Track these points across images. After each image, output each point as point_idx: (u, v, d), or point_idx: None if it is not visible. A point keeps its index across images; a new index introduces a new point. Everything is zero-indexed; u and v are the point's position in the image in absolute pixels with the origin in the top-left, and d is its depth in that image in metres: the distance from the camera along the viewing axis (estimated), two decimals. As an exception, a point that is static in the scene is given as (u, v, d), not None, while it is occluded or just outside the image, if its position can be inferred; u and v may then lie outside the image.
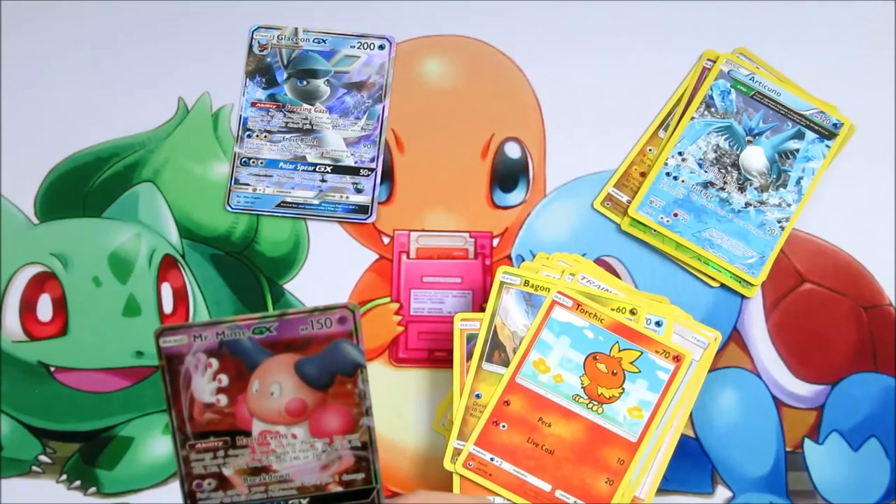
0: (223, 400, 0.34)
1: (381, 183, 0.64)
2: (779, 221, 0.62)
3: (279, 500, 0.34)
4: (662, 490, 0.60)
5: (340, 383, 0.34)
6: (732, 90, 0.64)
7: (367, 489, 0.35)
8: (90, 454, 0.61)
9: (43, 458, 0.61)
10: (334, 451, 0.34)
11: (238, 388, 0.34)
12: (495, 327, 0.57)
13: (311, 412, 0.34)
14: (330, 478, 0.34)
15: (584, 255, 0.63)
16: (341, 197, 0.64)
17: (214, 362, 0.33)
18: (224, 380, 0.33)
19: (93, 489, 0.60)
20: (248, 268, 0.63)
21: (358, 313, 0.33)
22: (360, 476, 0.34)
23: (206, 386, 0.33)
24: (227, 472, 0.34)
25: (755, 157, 0.63)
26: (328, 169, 0.64)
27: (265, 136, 0.64)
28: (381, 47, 0.66)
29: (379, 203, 0.64)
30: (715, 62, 0.65)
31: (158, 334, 0.33)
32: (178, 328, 0.33)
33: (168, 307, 0.62)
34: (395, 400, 0.61)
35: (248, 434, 0.34)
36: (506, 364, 0.57)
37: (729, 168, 0.63)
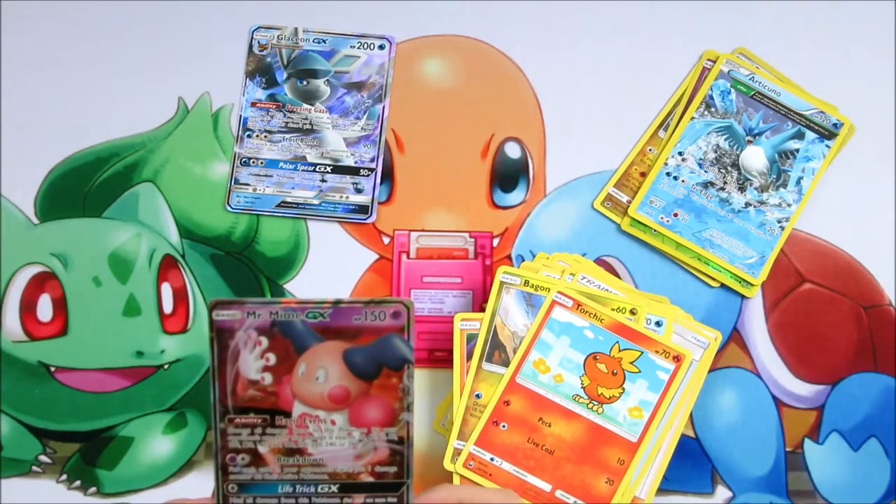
0: (268, 378, 0.34)
1: (381, 183, 0.64)
2: (779, 221, 0.62)
3: (310, 482, 0.35)
4: (662, 490, 0.60)
5: (386, 376, 0.34)
6: (732, 90, 0.64)
7: (397, 483, 0.35)
8: (90, 454, 0.61)
9: (43, 458, 0.61)
10: (371, 442, 0.34)
11: (284, 369, 0.34)
12: (495, 327, 0.57)
13: (353, 401, 0.34)
14: (363, 467, 0.35)
15: (584, 255, 0.63)
16: (341, 197, 0.64)
17: (264, 340, 0.34)
18: (272, 359, 0.34)
19: (93, 489, 0.60)
20: (248, 268, 0.63)
21: (412, 310, 0.33)
22: (393, 469, 0.35)
23: (253, 363, 0.34)
24: (262, 449, 0.34)
25: (755, 157, 0.63)
26: (328, 169, 0.64)
27: (265, 136, 0.64)
28: (381, 47, 0.66)
29: (379, 203, 0.64)
30: (715, 62, 0.65)
31: (212, 307, 0.33)
32: (232, 302, 0.33)
33: (168, 307, 0.62)
34: (395, 400, 0.61)
35: (287, 415, 0.34)
36: (506, 364, 0.57)
37: (729, 168, 0.63)
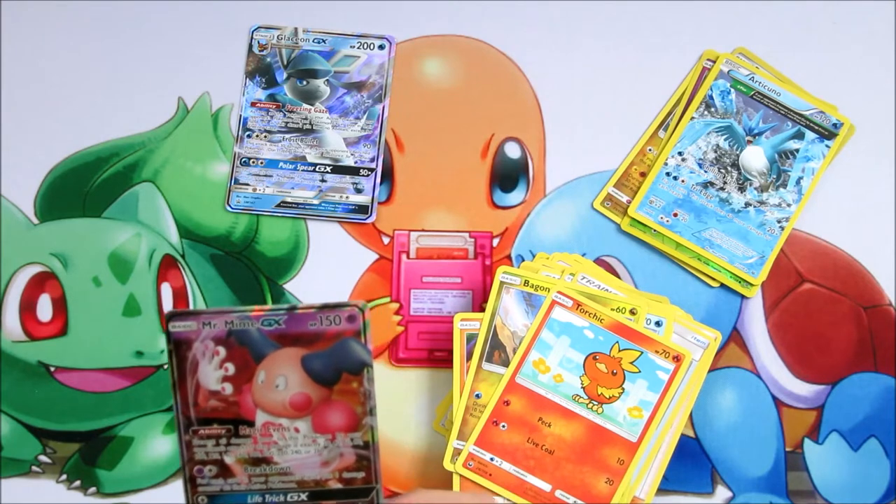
0: (228, 388, 0.34)
1: (381, 183, 0.64)
2: (779, 221, 0.62)
3: (278, 491, 0.35)
4: (662, 490, 0.60)
5: (346, 381, 0.34)
6: (732, 90, 0.64)
7: (366, 488, 0.35)
8: (90, 454, 0.61)
9: (43, 458, 0.61)
10: (336, 448, 0.34)
11: (244, 378, 0.34)
12: (495, 327, 0.57)
13: (314, 407, 0.34)
14: (330, 474, 0.34)
15: (584, 255, 0.63)
16: (341, 197, 0.64)
17: (222, 350, 0.33)
18: (230, 368, 0.34)
19: (93, 489, 0.60)
20: (248, 268, 0.63)
21: (367, 312, 0.33)
22: (361, 475, 0.35)
23: (212, 373, 0.34)
24: (228, 459, 0.34)
25: (755, 157, 0.63)
26: (328, 169, 0.64)
27: (265, 136, 0.65)
28: (381, 47, 0.66)
29: (379, 203, 0.64)
30: (715, 62, 0.65)
31: (169, 318, 0.33)
32: (188, 314, 0.33)
33: (168, 307, 0.62)
34: (395, 400, 0.61)
35: (251, 424, 0.34)
36: (506, 364, 0.57)
37: (729, 168, 0.63)
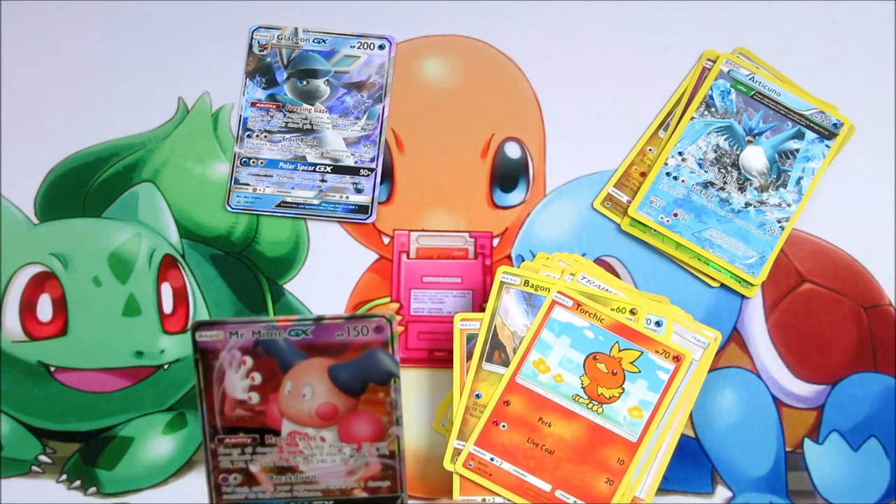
0: (255, 398, 0.34)
1: (381, 183, 0.64)
2: (779, 221, 0.62)
3: (303, 500, 0.34)
4: (662, 490, 0.60)
5: (373, 391, 0.34)
6: (732, 90, 0.64)
7: (391, 497, 0.35)
8: (90, 454, 0.61)
9: (43, 458, 0.61)
10: (362, 458, 0.34)
11: (270, 388, 0.34)
12: (495, 327, 0.57)
13: (341, 417, 0.34)
14: (355, 483, 0.34)
15: (584, 255, 0.63)
16: (341, 197, 0.64)
17: (249, 360, 0.33)
18: (257, 378, 0.34)
19: (93, 489, 0.60)
20: (248, 268, 0.63)
21: (395, 323, 0.33)
22: (386, 484, 0.35)
23: (238, 383, 0.34)
24: (253, 468, 0.34)
25: (755, 157, 0.63)
26: (328, 169, 0.64)
27: (265, 136, 0.65)
28: (381, 47, 0.66)
29: (379, 203, 0.64)
30: (715, 62, 0.65)
31: (195, 328, 0.33)
32: (214, 323, 0.33)
33: (168, 307, 0.62)
34: (395, 400, 0.61)
35: (277, 433, 0.34)
36: (506, 364, 0.57)
37: (729, 168, 0.63)
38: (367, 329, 0.34)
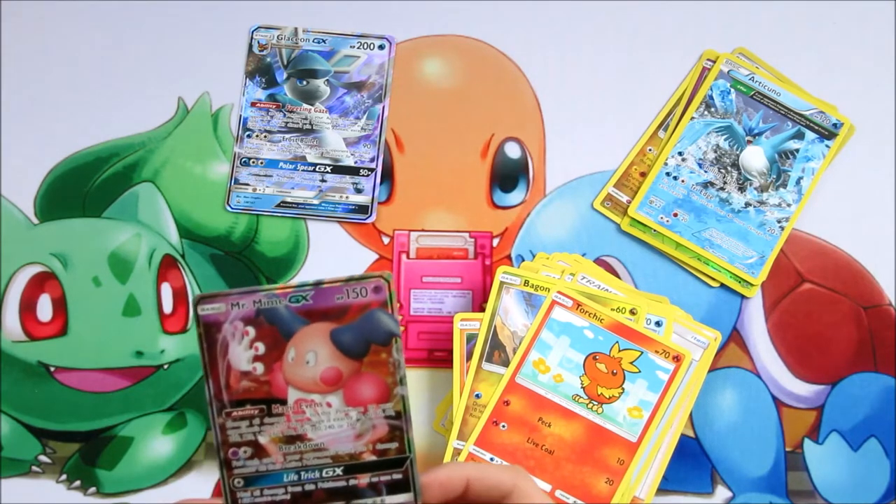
0: (259, 368, 0.34)
1: (381, 183, 0.64)
2: (779, 221, 0.62)
3: (314, 468, 0.35)
4: (662, 490, 0.60)
5: (375, 352, 0.34)
6: (732, 90, 0.64)
7: (400, 458, 0.35)
8: (90, 454, 0.61)
9: (43, 458, 0.61)
10: (368, 420, 0.34)
11: (274, 357, 0.34)
12: (495, 327, 0.57)
13: (345, 381, 0.34)
14: (364, 447, 0.34)
15: (584, 255, 0.63)
16: (341, 197, 0.64)
17: (251, 330, 0.33)
18: (260, 348, 0.34)
19: (93, 489, 0.60)
20: (247, 268, 0.63)
21: (392, 282, 0.33)
22: (394, 445, 0.35)
23: (242, 354, 0.33)
24: (262, 440, 0.34)
25: (755, 157, 0.63)
26: (328, 169, 0.64)
27: (265, 136, 0.65)
28: (381, 47, 0.66)
29: (379, 203, 0.64)
30: (715, 62, 0.65)
31: (196, 301, 0.33)
32: (216, 296, 0.33)
33: (168, 307, 0.62)
34: (395, 400, 0.61)
35: (283, 402, 0.34)
36: (506, 364, 0.57)
37: (729, 168, 0.63)
38: (366, 290, 0.34)
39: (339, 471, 0.35)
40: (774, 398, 0.61)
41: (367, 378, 0.34)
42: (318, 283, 0.33)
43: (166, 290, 0.63)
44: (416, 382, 0.62)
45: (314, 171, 0.64)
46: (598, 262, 0.63)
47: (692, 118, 0.64)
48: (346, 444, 0.34)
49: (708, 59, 0.66)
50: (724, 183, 0.63)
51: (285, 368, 0.33)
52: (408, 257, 0.63)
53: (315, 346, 0.33)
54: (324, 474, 0.35)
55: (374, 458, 0.34)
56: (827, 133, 0.63)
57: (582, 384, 0.56)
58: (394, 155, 0.65)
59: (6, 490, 0.60)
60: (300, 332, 0.33)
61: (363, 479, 0.34)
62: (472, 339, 0.57)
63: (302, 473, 0.34)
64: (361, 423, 0.34)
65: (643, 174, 0.64)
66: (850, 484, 0.60)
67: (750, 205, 0.62)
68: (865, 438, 0.61)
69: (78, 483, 0.60)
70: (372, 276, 0.33)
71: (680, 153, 0.63)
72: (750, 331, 0.62)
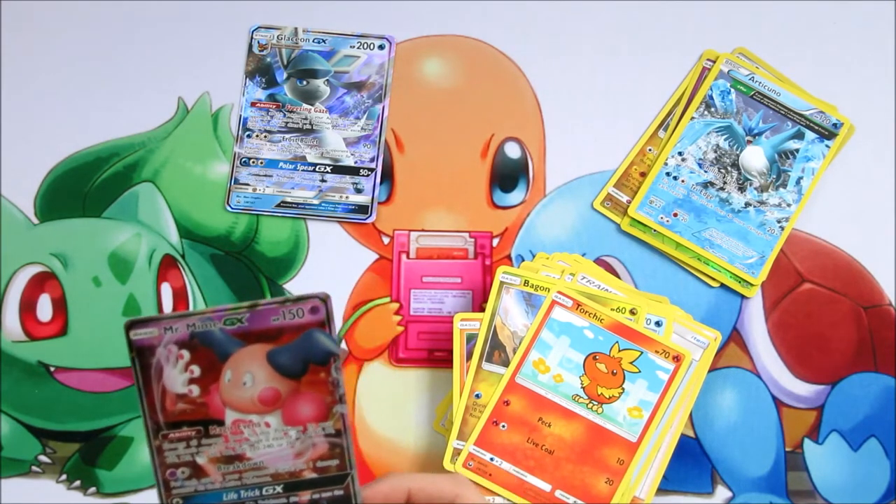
0: (195, 390, 0.34)
1: (381, 183, 0.64)
2: (779, 221, 0.62)
3: (254, 486, 0.35)
4: (662, 490, 0.60)
5: (313, 372, 0.34)
6: (732, 90, 0.64)
7: (341, 475, 0.35)
8: (90, 454, 0.61)
9: (43, 458, 0.61)
10: (308, 439, 0.34)
11: (210, 379, 0.34)
12: (495, 327, 0.57)
13: (284, 401, 0.34)
14: (304, 464, 0.35)
15: (584, 255, 0.63)
16: (341, 197, 0.64)
17: (186, 353, 0.33)
18: (196, 370, 0.34)
19: (93, 489, 0.60)
20: (247, 268, 0.63)
21: (330, 303, 0.33)
22: (335, 462, 0.35)
23: (177, 377, 0.34)
24: (200, 460, 0.34)
25: (755, 157, 0.63)
26: (328, 169, 0.64)
27: (265, 136, 0.65)
28: (381, 47, 0.66)
29: (379, 203, 0.64)
30: (715, 62, 0.65)
31: (128, 327, 0.33)
32: (148, 320, 0.33)
33: (168, 307, 0.62)
34: (395, 400, 0.61)
35: (221, 423, 0.34)
36: (506, 364, 0.57)
37: (729, 168, 0.63)
38: (303, 311, 0.34)
39: (279, 488, 0.35)
40: (774, 398, 0.61)
41: (305, 398, 0.34)
42: (253, 305, 0.33)
43: (166, 290, 0.63)
44: (416, 382, 0.62)
45: (314, 171, 0.64)
46: (598, 262, 0.63)
47: (692, 118, 0.64)
48: (285, 462, 0.34)
49: (708, 59, 0.66)
50: (724, 183, 0.63)
51: (222, 390, 0.34)
52: (408, 257, 0.63)
53: (252, 367, 0.33)
54: (264, 492, 0.35)
55: (314, 475, 0.34)
56: (827, 133, 0.63)
57: (582, 384, 0.56)
58: (394, 155, 0.65)
59: (6, 490, 0.60)
60: (236, 353, 0.33)
61: (304, 497, 0.35)
62: (472, 339, 0.57)
63: (242, 492, 0.35)
64: (301, 441, 0.34)
65: (643, 174, 0.64)
66: (850, 484, 0.60)
67: (750, 205, 0.62)
68: (865, 438, 0.61)
69: (78, 483, 0.60)
70: (309, 296, 0.33)
71: (680, 153, 0.63)
72: (750, 331, 0.62)
